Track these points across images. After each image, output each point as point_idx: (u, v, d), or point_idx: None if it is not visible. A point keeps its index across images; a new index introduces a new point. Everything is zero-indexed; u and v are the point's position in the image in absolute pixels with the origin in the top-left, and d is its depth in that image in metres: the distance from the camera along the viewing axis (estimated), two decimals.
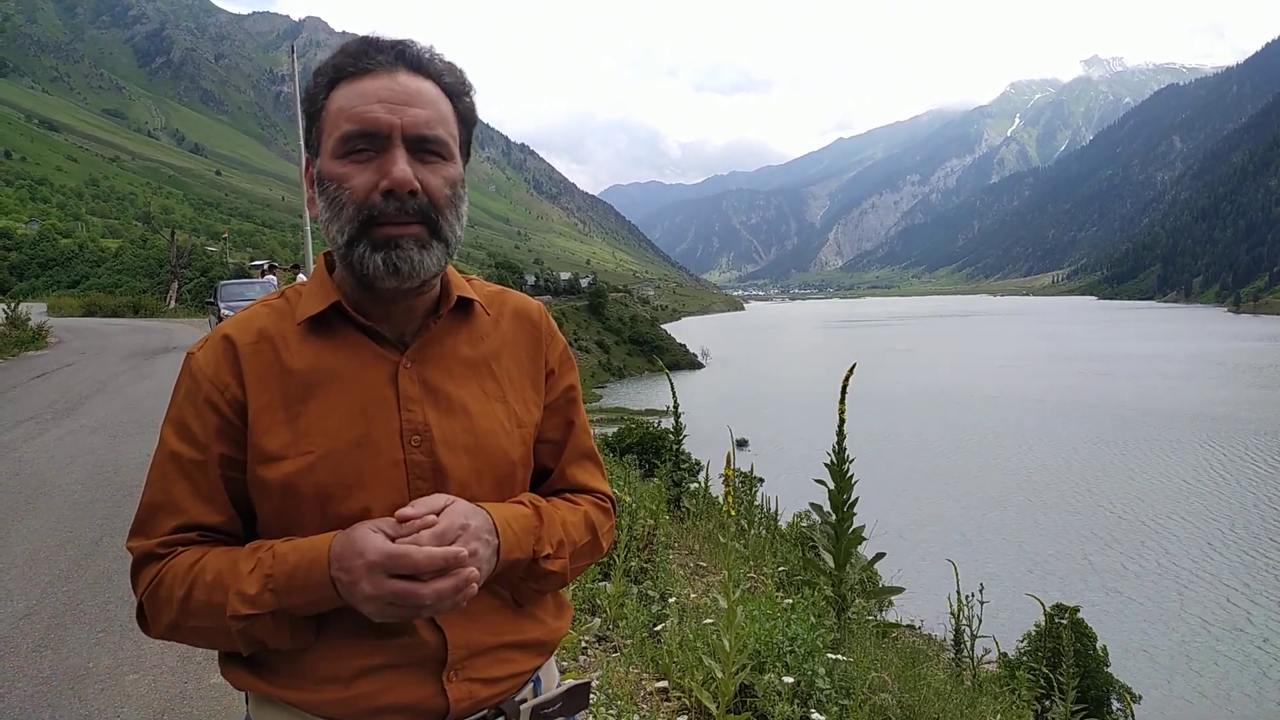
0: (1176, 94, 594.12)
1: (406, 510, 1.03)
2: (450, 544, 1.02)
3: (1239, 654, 24.48)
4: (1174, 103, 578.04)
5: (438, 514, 1.05)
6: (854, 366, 4.28)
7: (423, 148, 1.11)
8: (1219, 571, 30.85)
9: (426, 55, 1.16)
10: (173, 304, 36.89)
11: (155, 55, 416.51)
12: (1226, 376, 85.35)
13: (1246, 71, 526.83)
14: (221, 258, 58.86)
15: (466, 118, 1.20)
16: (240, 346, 1.14)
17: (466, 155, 1.21)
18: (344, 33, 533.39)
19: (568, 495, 1.30)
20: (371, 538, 1.01)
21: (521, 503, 1.20)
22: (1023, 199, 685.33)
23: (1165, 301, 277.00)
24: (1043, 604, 5.80)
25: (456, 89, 1.18)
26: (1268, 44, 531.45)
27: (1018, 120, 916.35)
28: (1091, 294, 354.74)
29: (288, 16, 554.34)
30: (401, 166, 1.09)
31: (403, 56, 1.14)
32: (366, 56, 1.12)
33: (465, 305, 1.24)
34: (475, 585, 1.03)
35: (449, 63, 1.18)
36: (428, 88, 1.14)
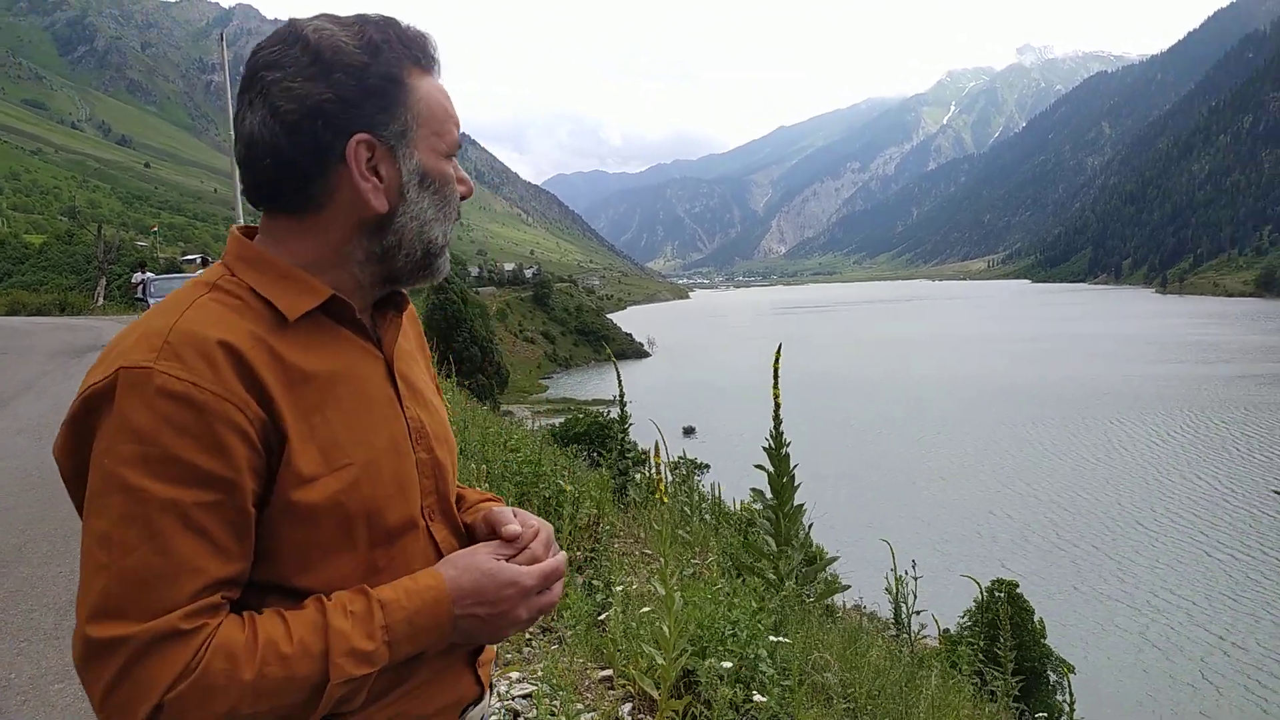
0: (1105, 81, 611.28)
1: (515, 528, 1.06)
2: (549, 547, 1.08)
3: (1137, 625, 25.60)
4: (1102, 90, 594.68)
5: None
6: (780, 347, 4.33)
7: None
8: (1123, 546, 32.15)
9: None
10: (101, 301, 35.71)
11: (78, 43, 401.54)
12: (1154, 355, 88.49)
13: (1170, 59, 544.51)
14: (152, 252, 57.20)
15: None
16: (247, 352, 0.96)
17: None
18: (275, 20, 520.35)
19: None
20: (509, 565, 1.02)
21: (489, 496, 1.25)
22: (959, 185, 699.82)
23: (1096, 283, 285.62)
24: (977, 582, 5.94)
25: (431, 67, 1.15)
26: (1189, 33, 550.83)
27: (953, 108, 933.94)
28: (1026, 277, 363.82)
29: (217, 4, 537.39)
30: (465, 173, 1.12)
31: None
32: (432, 52, 1.09)
33: None
34: None
35: None
36: None
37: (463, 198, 1.11)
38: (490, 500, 1.23)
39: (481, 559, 1.02)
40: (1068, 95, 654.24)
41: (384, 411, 1.08)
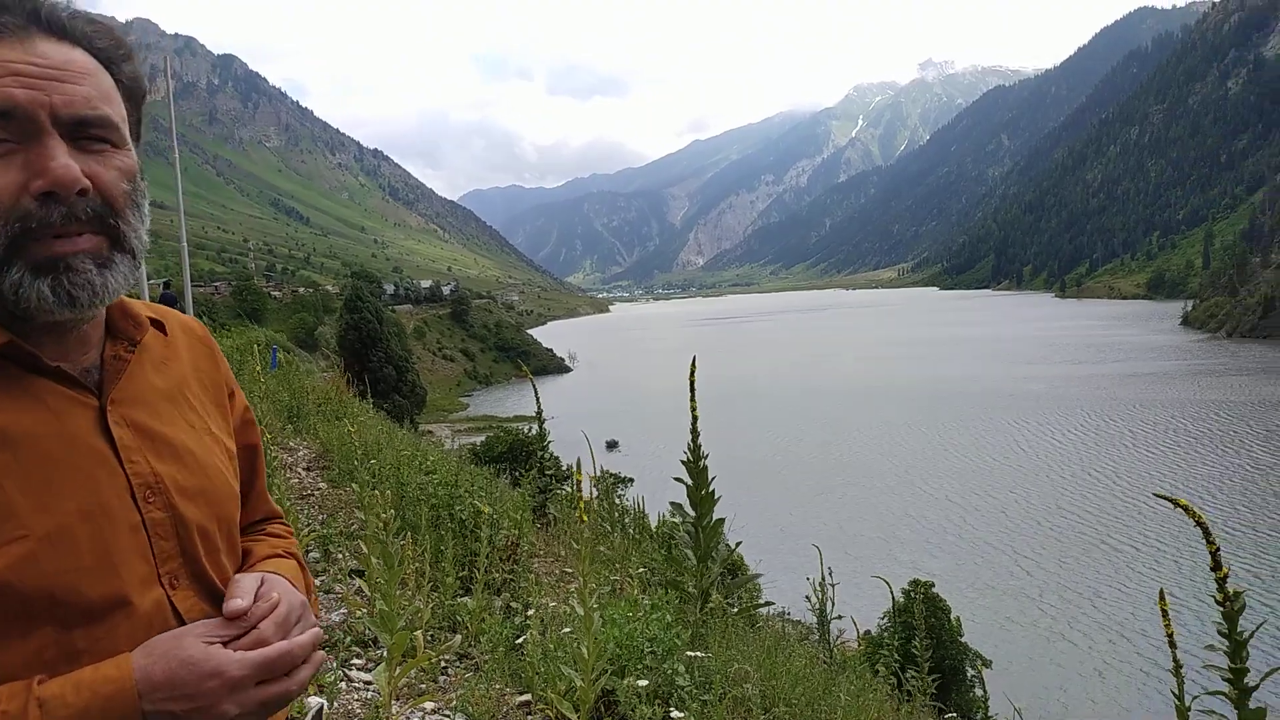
0: (1003, 95, 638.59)
1: (239, 603, 0.91)
2: (294, 625, 0.94)
3: (1039, 618, 26.72)
4: (1001, 103, 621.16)
5: (255, 595, 0.94)
6: (694, 361, 4.40)
7: (85, 134, 0.90)
8: (1027, 543, 33.53)
9: (67, 14, 0.92)
10: None
11: None
12: (1054, 357, 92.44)
13: (1063, 74, 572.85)
14: None
15: (134, 91, 0.99)
16: None
17: (138, 138, 1.00)
18: (176, 35, 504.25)
19: (267, 527, 1.21)
20: (216, 651, 0.87)
21: (279, 554, 1.12)
22: (869, 196, 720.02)
23: (999, 290, 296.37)
24: (888, 583, 6.08)
25: (114, 55, 0.96)
26: (1079, 48, 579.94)
27: (861, 121, 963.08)
28: (934, 284, 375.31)
29: (113, 17, 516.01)
30: (63, 160, 0.87)
31: (37, 17, 0.90)
32: None
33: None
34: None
35: (100, 21, 0.96)
36: (78, 57, 0.92)
37: (43, 193, 0.86)
38: (277, 556, 1.11)
39: (187, 643, 0.87)
40: (968, 109, 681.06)
41: (85, 470, 0.91)
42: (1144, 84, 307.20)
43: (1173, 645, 2.21)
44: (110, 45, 0.96)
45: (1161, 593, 2.37)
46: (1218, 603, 2.00)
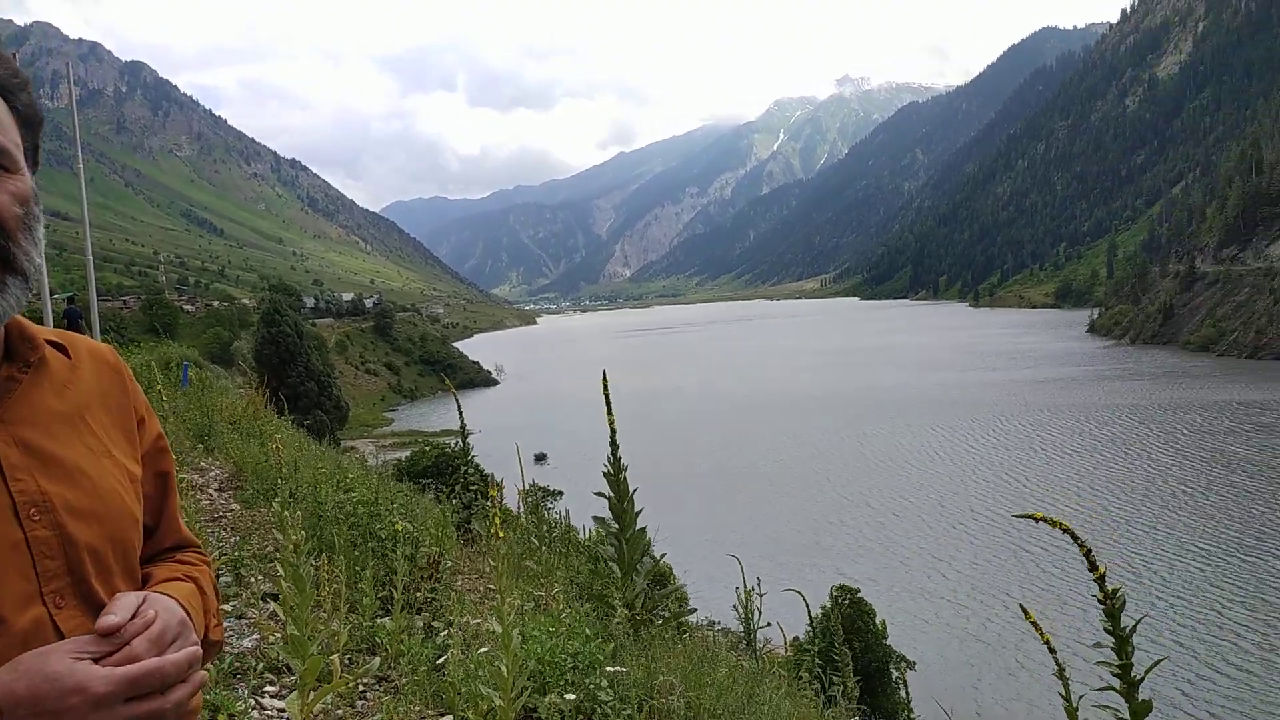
0: (917, 110, 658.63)
1: (112, 619, 0.89)
2: (171, 643, 0.91)
3: (960, 619, 27.70)
4: (915, 119, 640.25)
5: (133, 614, 0.92)
6: (605, 374, 4.47)
7: None
8: (945, 546, 34.57)
9: None
10: None
11: None
12: (969, 364, 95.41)
13: (972, 91, 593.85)
14: None
15: (29, 118, 1.00)
16: None
17: (35, 164, 1.02)
18: (80, 40, 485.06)
19: (178, 555, 1.20)
20: (81, 667, 0.84)
21: (178, 577, 1.10)
22: (791, 209, 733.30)
23: (917, 299, 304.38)
24: (802, 595, 6.17)
25: (9, 84, 0.98)
26: (989, 65, 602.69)
27: (782, 135, 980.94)
28: (855, 295, 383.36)
29: (10, 21, 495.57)
30: None
31: None
32: None
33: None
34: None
35: None
36: None
37: None
38: (175, 580, 1.10)
39: (53, 659, 0.85)
40: (884, 124, 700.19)
41: None
42: (1049, 101, 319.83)
43: (1052, 650, 2.31)
44: (4, 74, 0.97)
45: (1022, 607, 2.49)
46: (1099, 601, 2.07)
